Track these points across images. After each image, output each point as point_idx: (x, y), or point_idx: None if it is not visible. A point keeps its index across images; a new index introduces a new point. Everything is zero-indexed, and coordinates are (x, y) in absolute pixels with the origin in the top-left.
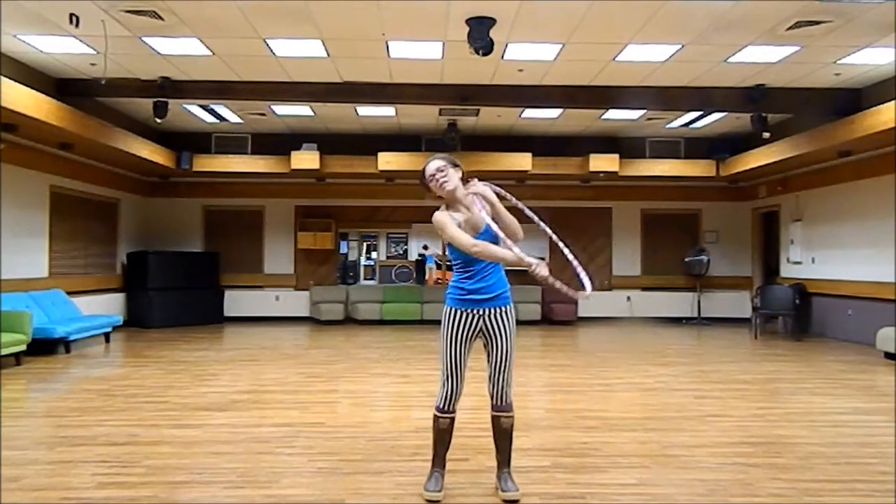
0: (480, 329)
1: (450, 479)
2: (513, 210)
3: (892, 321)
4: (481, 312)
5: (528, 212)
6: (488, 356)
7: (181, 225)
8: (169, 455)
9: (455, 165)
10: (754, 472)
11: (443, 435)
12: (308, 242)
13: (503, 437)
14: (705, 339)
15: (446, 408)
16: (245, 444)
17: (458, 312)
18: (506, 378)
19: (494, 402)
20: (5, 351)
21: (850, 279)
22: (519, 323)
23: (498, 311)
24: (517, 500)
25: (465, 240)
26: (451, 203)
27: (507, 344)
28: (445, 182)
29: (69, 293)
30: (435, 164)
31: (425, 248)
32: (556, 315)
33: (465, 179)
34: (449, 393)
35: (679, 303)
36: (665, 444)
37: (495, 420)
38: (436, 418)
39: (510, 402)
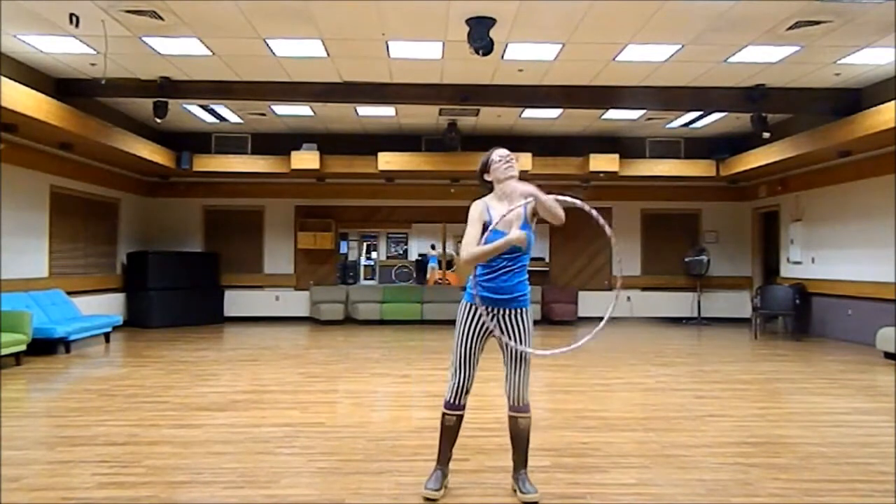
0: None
1: (450, 479)
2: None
3: (892, 321)
4: (496, 311)
5: (579, 203)
6: (504, 357)
7: (181, 225)
8: (169, 455)
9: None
10: (754, 472)
11: (449, 432)
12: (308, 242)
13: (520, 437)
14: (705, 339)
15: (455, 402)
16: (245, 444)
17: (474, 308)
18: (522, 379)
19: (511, 402)
20: (5, 351)
21: (850, 279)
22: None
23: (513, 312)
24: (536, 502)
25: (465, 250)
26: (501, 192)
27: (523, 345)
28: (511, 167)
29: (69, 293)
30: (503, 150)
31: (433, 247)
32: (555, 315)
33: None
34: (458, 386)
35: (679, 303)
36: (665, 444)
37: (512, 420)
38: (444, 415)
39: (527, 403)
